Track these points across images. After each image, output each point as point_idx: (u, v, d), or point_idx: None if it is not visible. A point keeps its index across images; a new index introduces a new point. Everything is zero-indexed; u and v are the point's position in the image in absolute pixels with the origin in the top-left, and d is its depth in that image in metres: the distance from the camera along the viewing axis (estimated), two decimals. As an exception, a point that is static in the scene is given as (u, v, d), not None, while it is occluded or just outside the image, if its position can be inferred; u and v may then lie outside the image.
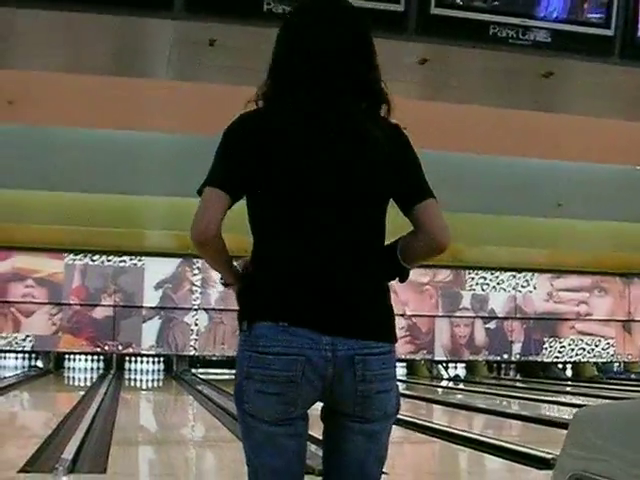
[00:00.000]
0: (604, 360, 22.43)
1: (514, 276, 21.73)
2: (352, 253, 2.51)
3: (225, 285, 2.69)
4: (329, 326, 2.45)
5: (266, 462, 2.51)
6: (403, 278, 2.71)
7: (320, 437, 2.65)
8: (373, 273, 2.56)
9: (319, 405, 2.62)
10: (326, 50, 2.54)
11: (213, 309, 19.67)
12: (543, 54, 7.18)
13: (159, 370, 19.90)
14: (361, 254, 2.53)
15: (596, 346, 22.21)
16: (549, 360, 22.16)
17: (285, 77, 2.57)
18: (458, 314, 21.45)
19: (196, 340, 19.90)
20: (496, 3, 6.94)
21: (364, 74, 2.58)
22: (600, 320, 22.18)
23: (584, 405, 3.60)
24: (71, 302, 19.65)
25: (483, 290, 21.61)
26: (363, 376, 2.47)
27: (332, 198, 2.50)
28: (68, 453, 7.03)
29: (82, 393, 14.06)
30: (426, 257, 2.67)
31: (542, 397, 15.04)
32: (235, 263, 2.63)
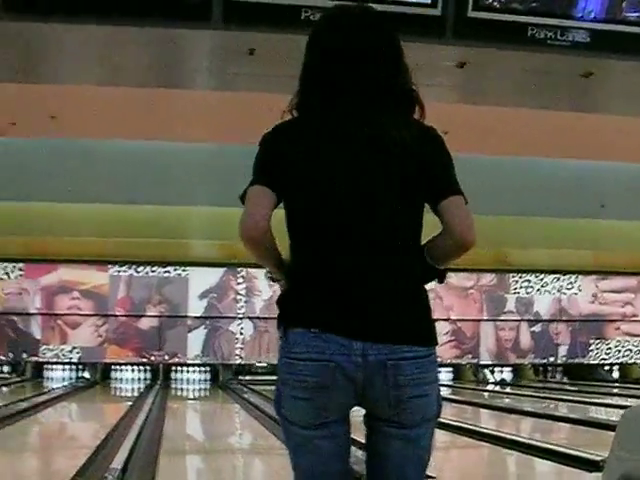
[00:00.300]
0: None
1: (558, 278, 21.57)
2: (383, 257, 2.51)
3: (273, 280, 2.71)
4: (360, 332, 2.45)
5: (303, 463, 2.56)
6: (440, 279, 2.68)
7: (363, 443, 2.66)
8: (406, 276, 2.55)
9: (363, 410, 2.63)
10: (353, 53, 2.56)
11: (258, 318, 19.70)
12: (582, 54, 7.15)
13: (205, 379, 19.94)
14: (393, 257, 2.53)
15: (643, 347, 22.03)
16: (595, 362, 21.96)
17: (314, 84, 2.60)
18: (503, 317, 21.33)
19: (241, 349, 19.95)
20: (533, 4, 6.92)
21: (393, 76, 2.60)
22: (647, 321, 21.98)
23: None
24: (117, 313, 19.79)
25: (528, 293, 21.47)
26: (395, 381, 2.46)
27: (361, 203, 2.51)
28: (117, 463, 7.06)
29: (129, 403, 14.12)
30: (452, 255, 2.62)
31: (589, 399, 14.91)
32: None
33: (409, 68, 2.64)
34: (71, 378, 19.79)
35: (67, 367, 19.99)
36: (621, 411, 3.13)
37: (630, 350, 21.97)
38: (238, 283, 19.73)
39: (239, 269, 19.35)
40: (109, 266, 19.68)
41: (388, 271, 2.51)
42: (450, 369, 21.21)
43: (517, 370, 21.78)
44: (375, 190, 2.52)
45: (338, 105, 2.57)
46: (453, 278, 20.73)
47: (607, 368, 22.23)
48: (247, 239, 2.50)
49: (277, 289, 2.73)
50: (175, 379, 19.95)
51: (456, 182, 2.61)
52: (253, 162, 2.60)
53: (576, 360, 21.83)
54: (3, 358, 19.67)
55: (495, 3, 6.81)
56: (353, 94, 2.56)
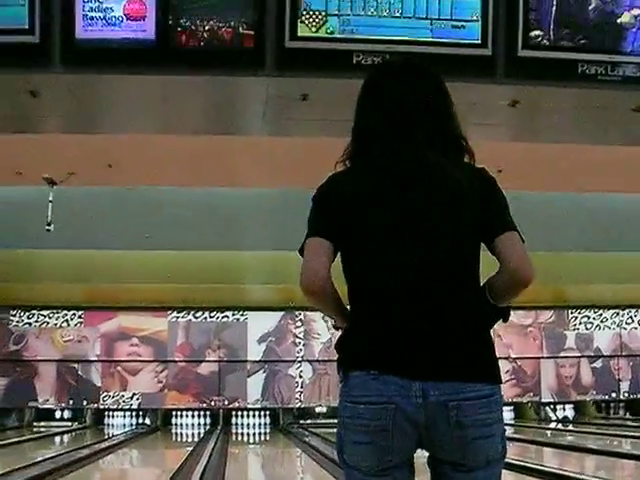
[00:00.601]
0: None
1: (618, 313, 21.38)
2: (442, 295, 2.52)
3: (337, 329, 2.73)
4: (419, 371, 2.44)
5: None
6: (505, 318, 2.72)
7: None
8: (466, 314, 2.56)
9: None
10: (402, 103, 2.63)
11: (317, 360, 19.70)
12: (633, 88, 7.16)
13: (266, 423, 19.95)
14: (452, 296, 2.54)
15: None
16: (658, 397, 21.68)
17: (365, 134, 2.67)
18: (563, 354, 21.15)
19: (301, 392, 19.96)
20: (583, 41, 6.94)
21: (443, 123, 2.66)
22: None
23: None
24: (176, 359, 19.91)
25: (587, 329, 21.28)
26: (458, 422, 2.44)
27: (423, 245, 2.53)
28: (182, 508, 7.11)
29: (190, 449, 14.18)
30: (510, 291, 2.64)
31: (654, 435, 14.73)
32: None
33: (457, 116, 2.70)
34: (132, 424, 19.91)
35: (127, 413, 20.11)
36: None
37: (693, 384, 21.66)
38: (296, 326, 19.78)
39: (297, 312, 19.41)
40: (168, 312, 19.84)
41: (448, 309, 2.52)
42: (511, 408, 21.04)
43: (579, 407, 21.54)
44: (436, 232, 2.55)
45: (393, 153, 2.61)
46: (512, 316, 20.57)
47: (670, 403, 21.91)
48: (308, 290, 2.54)
49: (336, 333, 2.75)
50: (235, 424, 19.98)
51: (511, 220, 2.63)
52: (309, 214, 2.66)
53: (639, 395, 21.55)
54: (64, 405, 19.85)
55: (545, 41, 6.84)
56: (402, 140, 2.61)
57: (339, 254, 2.62)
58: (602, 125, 8.24)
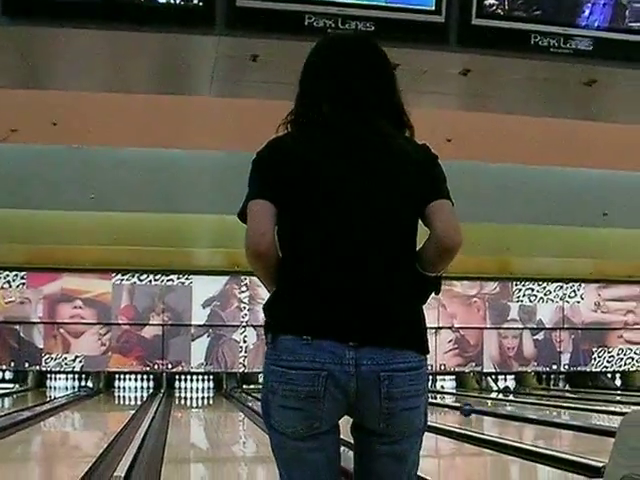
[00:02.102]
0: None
1: (561, 287, 21.60)
2: (378, 263, 2.50)
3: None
4: (353, 334, 2.42)
5: (294, 476, 2.52)
6: (436, 290, 2.65)
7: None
8: (400, 283, 2.53)
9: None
10: (350, 70, 2.63)
11: (261, 326, 19.53)
12: (585, 62, 7.16)
13: (209, 388, 19.94)
14: (388, 264, 2.51)
15: (645, 355, 22.05)
16: (598, 370, 21.98)
17: (313, 99, 2.65)
18: (506, 325, 21.35)
19: (245, 357, 19.95)
20: (537, 12, 6.92)
21: (389, 96, 2.67)
22: (649, 329, 22.01)
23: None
24: (120, 322, 19.80)
25: (531, 301, 21.49)
26: (389, 394, 2.44)
27: (357, 211, 2.52)
28: (120, 471, 7.05)
29: (133, 412, 14.12)
30: (438, 258, 2.57)
31: (592, 407, 14.91)
32: None
33: (400, 91, 2.71)
34: (74, 387, 19.79)
35: (70, 376, 19.98)
36: (624, 418, 3.14)
37: (632, 358, 22.01)
38: (241, 291, 19.76)
39: (242, 277, 19.37)
40: (112, 274, 19.71)
41: (383, 278, 2.50)
42: (454, 377, 21.23)
43: (520, 378, 21.80)
44: (376, 201, 2.54)
45: (336, 120, 2.61)
46: (457, 286, 20.74)
47: (609, 376, 22.24)
48: (255, 252, 2.51)
49: None
50: (179, 388, 19.95)
51: (445, 189, 2.62)
52: (249, 178, 2.61)
53: (579, 368, 21.86)
54: (5, 367, 19.67)
55: (499, 10, 6.81)
56: (349, 105, 2.61)
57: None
58: (553, 98, 8.25)
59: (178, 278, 19.77)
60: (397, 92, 2.69)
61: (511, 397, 19.77)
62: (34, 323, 19.59)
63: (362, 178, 2.54)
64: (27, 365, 19.65)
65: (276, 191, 2.52)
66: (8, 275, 19.41)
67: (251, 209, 2.53)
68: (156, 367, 19.88)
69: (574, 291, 21.66)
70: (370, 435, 2.52)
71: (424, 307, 2.62)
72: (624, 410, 12.82)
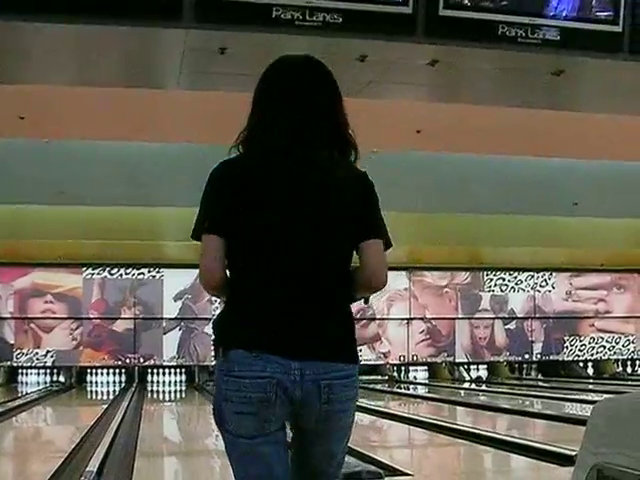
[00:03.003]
0: (624, 357, 22.38)
1: (532, 276, 21.70)
2: (316, 286, 2.77)
3: None
4: (298, 352, 2.71)
5: (250, 472, 2.78)
6: (365, 301, 3.03)
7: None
8: (336, 304, 2.82)
9: None
10: (297, 94, 2.81)
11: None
12: (553, 52, 7.18)
13: (181, 381, 19.91)
14: (325, 286, 2.78)
15: (616, 343, 22.17)
16: (570, 359, 22.12)
17: (261, 125, 2.82)
18: (478, 315, 21.44)
19: (217, 350, 19.90)
20: (504, 3, 6.94)
21: (335, 124, 2.85)
22: (620, 317, 22.13)
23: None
24: (91, 316, 19.73)
25: (502, 291, 21.59)
26: (328, 399, 2.74)
27: (298, 235, 2.76)
28: (93, 466, 7.03)
29: (105, 406, 14.07)
30: (365, 292, 2.91)
31: (564, 395, 15.01)
32: None
33: (346, 112, 2.88)
34: (46, 382, 19.70)
35: (41, 371, 19.89)
36: (596, 407, 3.15)
37: (604, 347, 22.14)
38: (213, 284, 19.69)
39: (213, 270, 19.30)
40: (82, 269, 19.63)
41: (320, 300, 2.78)
42: (426, 367, 21.29)
43: (492, 368, 21.89)
44: (315, 227, 2.78)
45: (285, 148, 2.79)
46: (428, 277, 20.81)
47: (581, 364, 22.38)
48: (207, 287, 2.83)
49: None
50: (151, 381, 19.92)
51: (380, 226, 2.88)
52: (202, 194, 2.82)
53: (551, 357, 21.98)
54: (-25, 363, 19.57)
55: (466, 1, 6.83)
56: (296, 132, 2.78)
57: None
58: (522, 88, 8.27)
59: (149, 271, 19.72)
60: (343, 114, 2.87)
61: (484, 387, 19.85)
62: (4, 318, 19.49)
63: (304, 207, 2.77)
64: (-3, 361, 19.55)
65: (225, 220, 2.75)
66: (-22, 270, 19.31)
67: (204, 243, 2.78)
68: (128, 361, 19.83)
69: (545, 280, 21.77)
70: (307, 435, 2.83)
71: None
72: (596, 398, 12.91)
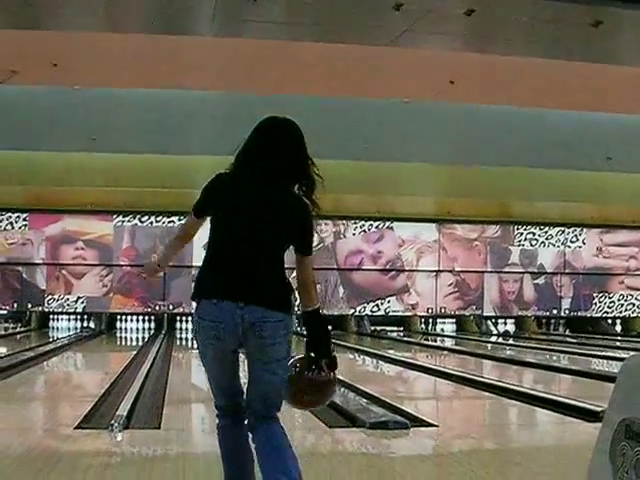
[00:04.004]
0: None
1: (563, 231, 21.61)
2: (259, 262, 3.90)
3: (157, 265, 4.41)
4: (241, 298, 3.82)
5: (211, 371, 4.03)
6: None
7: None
8: (271, 274, 3.94)
9: None
10: (273, 146, 3.96)
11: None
12: (591, 3, 7.08)
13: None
14: (264, 263, 3.92)
15: (646, 301, 22.12)
16: (598, 315, 22.07)
17: (245, 158, 3.98)
18: (507, 269, 21.39)
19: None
20: (543, -48, 6.84)
21: (300, 163, 3.98)
22: (650, 275, 22.05)
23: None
24: (121, 263, 19.85)
25: (532, 245, 21.52)
26: (260, 335, 3.84)
27: (249, 232, 3.90)
28: (123, 410, 7.09)
29: (134, 353, 14.19)
30: (300, 290, 4.00)
31: (591, 352, 14.98)
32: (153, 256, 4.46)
33: (311, 160, 4.00)
34: (76, 328, 19.91)
35: (72, 317, 20.10)
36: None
37: (633, 304, 22.09)
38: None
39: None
40: (113, 216, 19.72)
41: (261, 270, 3.91)
42: (453, 320, 21.32)
43: (520, 322, 21.89)
44: (259, 226, 3.92)
45: (254, 175, 3.95)
46: (458, 229, 20.76)
47: (610, 321, 22.32)
48: (177, 236, 4.34)
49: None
50: (180, 329, 20.08)
51: (310, 245, 4.04)
52: (199, 194, 4.02)
53: (579, 313, 21.94)
54: (8, 308, 19.77)
55: (504, -50, 6.73)
56: (270, 171, 3.94)
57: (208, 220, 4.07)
58: (558, 39, 8.17)
59: (179, 219, 19.77)
60: (307, 159, 3.99)
61: (511, 341, 19.85)
62: (36, 264, 19.66)
63: (260, 213, 3.91)
64: (30, 306, 19.76)
65: (206, 210, 4.05)
66: (10, 217, 19.45)
67: (188, 217, 4.18)
68: (157, 308, 19.99)
69: (576, 236, 21.68)
70: (253, 358, 3.91)
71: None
72: (623, 355, 12.88)
